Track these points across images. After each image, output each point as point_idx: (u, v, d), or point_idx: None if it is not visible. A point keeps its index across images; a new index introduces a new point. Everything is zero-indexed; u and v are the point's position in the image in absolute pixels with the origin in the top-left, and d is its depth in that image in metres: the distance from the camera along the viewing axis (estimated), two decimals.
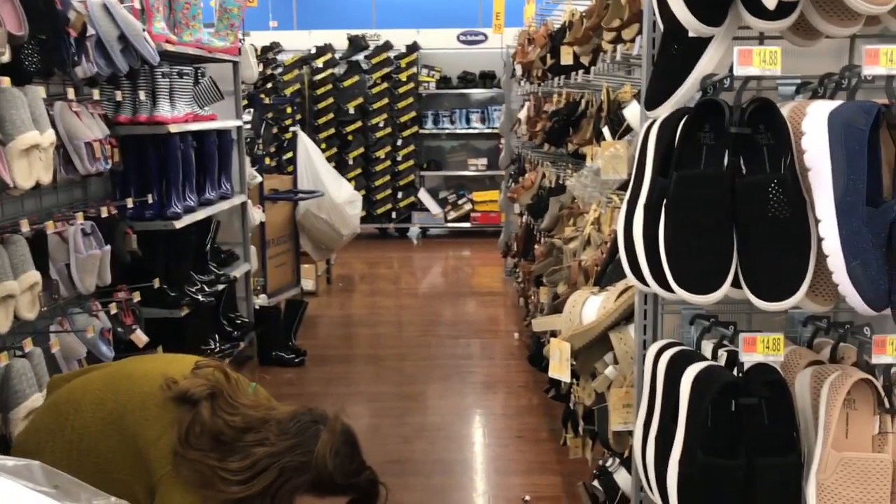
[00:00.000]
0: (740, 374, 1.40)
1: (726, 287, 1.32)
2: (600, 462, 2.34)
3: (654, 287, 1.38)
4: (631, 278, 1.47)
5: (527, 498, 3.58)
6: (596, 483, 2.18)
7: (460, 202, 9.83)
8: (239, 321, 5.29)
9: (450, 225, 9.83)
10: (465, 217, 9.80)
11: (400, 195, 9.75)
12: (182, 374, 1.92)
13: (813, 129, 1.29)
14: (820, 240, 1.27)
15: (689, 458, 1.36)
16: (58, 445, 1.89)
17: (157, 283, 4.16)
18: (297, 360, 5.41)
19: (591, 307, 1.86)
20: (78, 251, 3.41)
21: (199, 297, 4.41)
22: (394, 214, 9.78)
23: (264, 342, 5.44)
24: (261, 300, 5.69)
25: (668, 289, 1.36)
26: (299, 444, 1.78)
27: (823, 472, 1.31)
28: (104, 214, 3.68)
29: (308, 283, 6.99)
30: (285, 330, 5.56)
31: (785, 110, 1.37)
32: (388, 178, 9.66)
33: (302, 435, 1.80)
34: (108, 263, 3.59)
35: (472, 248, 9.31)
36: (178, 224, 4.23)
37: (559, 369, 1.81)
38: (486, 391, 4.99)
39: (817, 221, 1.27)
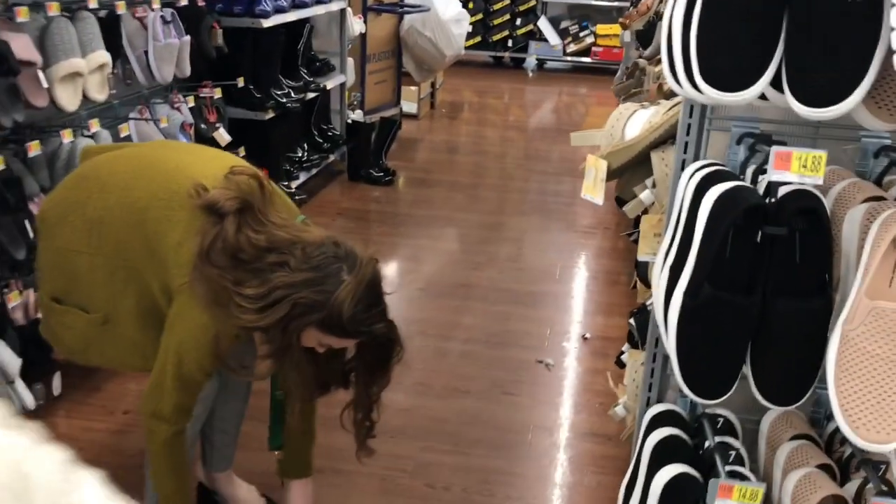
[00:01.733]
0: (772, 200, 1.17)
1: (761, 85, 1.06)
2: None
3: (685, 85, 1.14)
4: (667, 76, 1.23)
5: (587, 335, 3.48)
6: (632, 321, 2.02)
7: (582, 34, 9.22)
8: (330, 133, 5.25)
9: (568, 58, 9.30)
10: (585, 51, 9.23)
11: (518, 21, 9.23)
12: (214, 178, 1.81)
13: None
14: (890, 31, 0.98)
15: (694, 290, 1.17)
16: (78, 222, 1.85)
17: (241, 81, 4.11)
18: (385, 179, 5.36)
19: (636, 123, 1.62)
20: (156, 38, 3.36)
21: (285, 101, 4.34)
22: (510, 42, 9.32)
23: (354, 158, 5.40)
24: (356, 115, 5.60)
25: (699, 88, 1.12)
26: (318, 280, 1.67)
27: (850, 323, 1.09)
28: (184, 2, 3.58)
29: (410, 106, 6.84)
30: (377, 148, 5.48)
31: None
32: (507, 1, 9.14)
33: (323, 270, 1.68)
34: (188, 54, 3.53)
35: (589, 85, 8.82)
36: (266, 23, 4.11)
37: (592, 189, 1.60)
38: (570, 230, 4.81)
39: (891, 5, 0.98)
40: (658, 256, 1.40)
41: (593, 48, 9.18)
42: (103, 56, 2.97)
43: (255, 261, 1.69)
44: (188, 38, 3.52)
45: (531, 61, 9.30)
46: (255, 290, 1.67)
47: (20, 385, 2.53)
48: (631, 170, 1.61)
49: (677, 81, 1.18)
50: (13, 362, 2.50)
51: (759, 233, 1.16)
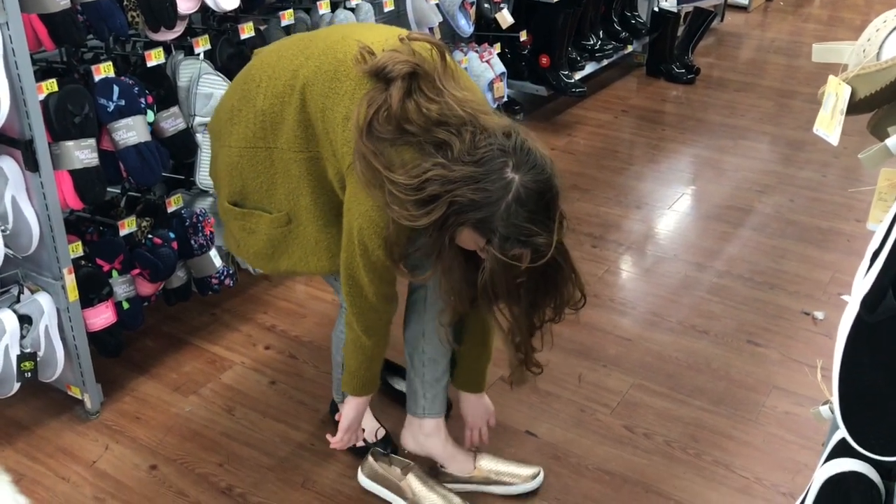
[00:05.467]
0: None
1: None
2: None
3: None
4: None
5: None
6: None
7: None
8: (633, 22, 4.80)
9: None
10: None
11: None
12: (384, 42, 1.63)
13: None
14: None
15: (873, 299, 0.79)
16: (250, 115, 1.74)
17: None
18: (687, 77, 4.84)
19: None
20: None
21: None
22: None
23: (656, 51, 4.91)
24: (667, 4, 5.06)
25: None
26: (478, 176, 1.47)
27: None
28: None
29: None
30: (684, 41, 4.94)
31: None
32: None
33: (485, 165, 1.47)
34: None
35: None
36: None
37: (826, 123, 1.18)
38: None
39: None
40: (877, 235, 0.98)
41: None
42: None
43: (421, 133, 1.51)
44: None
45: None
46: (406, 178, 1.49)
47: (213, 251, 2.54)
48: (889, 103, 1.16)
49: None
50: None
51: None
